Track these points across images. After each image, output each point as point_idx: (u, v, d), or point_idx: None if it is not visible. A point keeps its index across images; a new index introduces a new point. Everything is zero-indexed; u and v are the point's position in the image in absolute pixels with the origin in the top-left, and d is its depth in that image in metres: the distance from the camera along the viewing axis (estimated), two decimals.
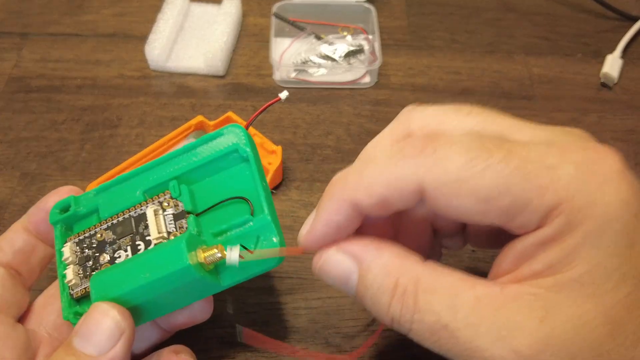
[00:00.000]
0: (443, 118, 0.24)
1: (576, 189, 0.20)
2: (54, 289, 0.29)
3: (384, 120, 0.43)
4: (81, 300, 0.26)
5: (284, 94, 0.33)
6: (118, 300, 0.24)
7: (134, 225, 0.27)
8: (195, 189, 0.27)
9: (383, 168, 0.22)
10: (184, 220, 0.26)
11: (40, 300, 0.29)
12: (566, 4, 0.53)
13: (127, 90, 0.44)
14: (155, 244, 0.26)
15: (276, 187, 0.38)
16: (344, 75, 0.45)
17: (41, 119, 0.41)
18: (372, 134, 0.41)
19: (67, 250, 0.27)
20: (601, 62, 0.47)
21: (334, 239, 0.23)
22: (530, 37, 0.50)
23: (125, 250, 0.26)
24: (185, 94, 0.43)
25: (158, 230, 0.26)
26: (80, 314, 0.25)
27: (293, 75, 0.45)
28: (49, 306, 0.28)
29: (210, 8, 0.50)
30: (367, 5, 0.48)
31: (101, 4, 0.50)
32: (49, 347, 0.27)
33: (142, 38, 0.46)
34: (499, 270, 0.22)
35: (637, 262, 0.20)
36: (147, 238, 0.26)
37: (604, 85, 0.46)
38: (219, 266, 0.25)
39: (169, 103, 0.43)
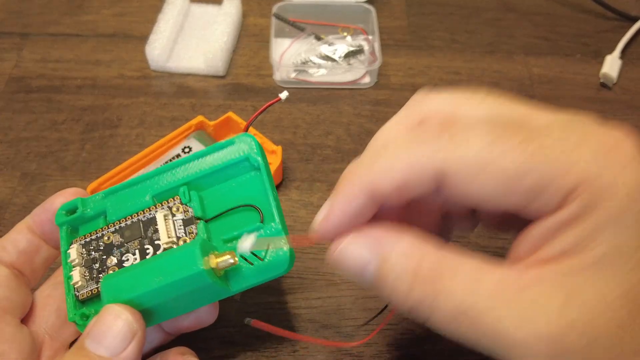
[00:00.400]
0: (457, 103, 0.23)
1: (595, 171, 0.20)
2: (48, 290, 0.29)
3: (384, 120, 0.42)
4: (87, 302, 0.26)
5: (284, 94, 0.34)
6: (130, 303, 0.24)
7: (142, 229, 0.27)
8: (205, 195, 0.28)
9: (401, 153, 0.21)
10: (193, 226, 0.27)
11: (37, 302, 0.29)
12: (566, 4, 0.53)
13: (127, 90, 0.44)
14: (164, 249, 0.26)
15: (276, 187, 0.38)
16: (344, 75, 0.45)
17: (41, 119, 0.41)
18: (372, 134, 0.41)
19: (74, 252, 0.27)
20: (601, 62, 0.47)
21: (350, 227, 0.22)
22: (530, 37, 0.50)
23: (134, 254, 0.26)
24: (186, 94, 0.44)
25: (168, 235, 0.26)
26: (87, 316, 0.25)
27: (293, 75, 0.45)
28: (47, 307, 0.28)
29: (211, 8, 0.50)
30: (367, 5, 0.48)
31: (101, 4, 0.50)
32: (50, 349, 0.27)
33: (143, 38, 0.46)
34: (518, 253, 0.22)
35: None
36: (156, 242, 0.26)
37: (603, 85, 0.46)
38: (228, 272, 0.25)
39: (169, 103, 0.43)
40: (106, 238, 0.27)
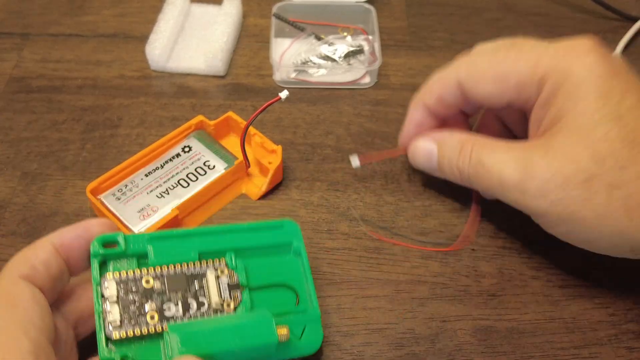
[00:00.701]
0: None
1: (556, 62, 0.29)
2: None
3: (384, 120, 0.43)
4: (119, 343, 0.26)
5: (284, 94, 0.34)
6: (204, 356, 0.25)
7: (187, 282, 0.28)
8: (248, 264, 0.30)
9: (436, 74, 0.34)
10: (238, 292, 0.29)
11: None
12: (566, 4, 0.53)
13: (128, 90, 0.44)
14: (214, 309, 0.28)
15: (276, 187, 0.38)
16: (344, 75, 0.45)
17: (42, 119, 0.41)
18: (372, 133, 0.41)
19: (113, 288, 0.27)
20: None
21: (418, 132, 0.35)
22: (530, 37, 0.50)
23: (176, 304, 0.27)
24: (186, 94, 0.44)
25: (219, 295, 0.28)
26: (122, 358, 0.25)
27: (293, 75, 0.45)
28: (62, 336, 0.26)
29: (211, 9, 0.50)
30: (367, 5, 0.48)
31: (102, 4, 0.50)
32: None
33: (143, 38, 0.46)
34: (529, 135, 0.32)
35: (611, 108, 0.28)
36: (201, 299, 0.28)
37: None
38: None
39: (170, 103, 0.43)
40: (145, 281, 0.27)
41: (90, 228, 0.27)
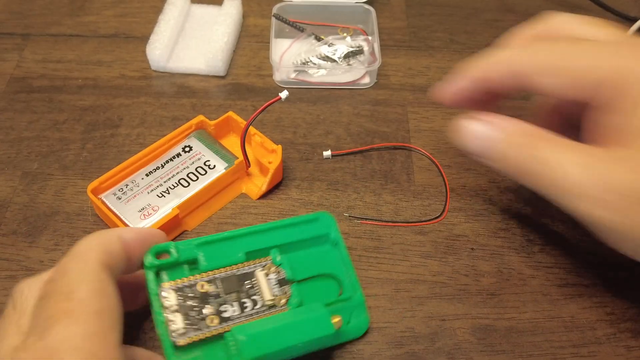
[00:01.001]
0: (568, 23, 0.32)
1: (617, 66, 0.26)
2: None
3: (384, 120, 0.43)
4: (185, 349, 0.27)
5: (284, 94, 0.34)
6: (267, 355, 0.26)
7: (239, 283, 0.29)
8: (291, 258, 0.31)
9: (494, 56, 0.31)
10: (287, 287, 0.30)
11: None
12: (565, 5, 0.53)
13: (128, 90, 0.44)
14: (267, 306, 0.29)
15: (276, 186, 0.38)
16: (344, 75, 0.45)
17: (43, 119, 0.42)
18: (372, 133, 0.41)
19: (173, 298, 0.27)
20: None
21: (459, 100, 0.33)
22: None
23: (232, 306, 0.29)
24: (186, 94, 0.44)
25: (270, 293, 0.30)
26: None
27: (293, 75, 0.45)
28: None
29: (211, 9, 0.50)
30: (366, 6, 0.48)
31: (102, 5, 0.51)
32: None
33: (143, 39, 0.47)
34: (586, 138, 0.29)
35: None
36: (254, 297, 0.29)
37: None
38: None
39: (170, 103, 0.43)
40: (200, 286, 0.28)
41: (154, 238, 0.28)
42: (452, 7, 0.52)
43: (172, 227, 0.35)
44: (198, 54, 0.46)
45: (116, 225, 0.34)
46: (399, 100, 0.44)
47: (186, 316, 0.27)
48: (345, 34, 0.48)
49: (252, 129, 0.37)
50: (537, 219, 0.37)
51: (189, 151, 0.37)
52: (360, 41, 0.47)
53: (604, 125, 0.27)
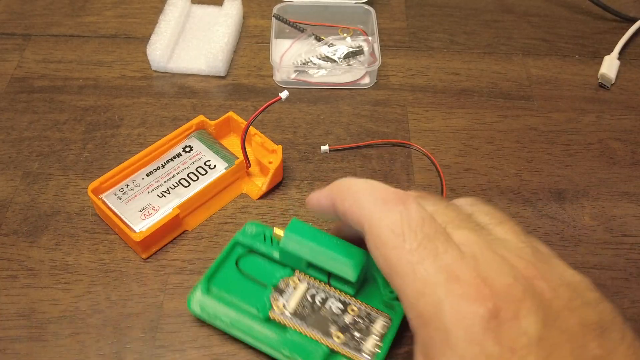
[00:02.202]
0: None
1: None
2: None
3: (384, 120, 0.43)
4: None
5: (284, 94, 0.34)
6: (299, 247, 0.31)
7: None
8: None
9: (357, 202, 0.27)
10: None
11: None
12: (564, 5, 0.53)
13: (129, 90, 0.44)
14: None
15: (276, 186, 0.38)
16: (344, 76, 0.46)
17: (43, 119, 0.42)
18: (372, 133, 0.42)
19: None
20: (599, 63, 0.47)
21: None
22: (529, 38, 0.50)
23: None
24: (187, 94, 0.44)
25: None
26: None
27: (293, 76, 0.45)
28: None
29: (212, 9, 0.50)
30: (366, 6, 0.48)
31: (103, 5, 0.51)
32: None
33: (144, 39, 0.47)
34: None
35: None
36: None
37: (601, 85, 0.46)
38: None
39: (170, 103, 0.43)
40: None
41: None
42: (452, 8, 0.52)
43: (173, 227, 0.35)
44: (198, 54, 0.46)
45: (117, 226, 0.34)
46: (398, 100, 0.44)
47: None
48: (345, 35, 0.48)
49: (252, 129, 0.38)
50: (537, 218, 0.37)
51: (189, 151, 0.38)
52: (360, 41, 0.47)
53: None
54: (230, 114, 0.39)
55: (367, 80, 0.45)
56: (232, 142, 0.40)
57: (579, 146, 0.42)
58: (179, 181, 0.36)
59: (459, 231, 0.24)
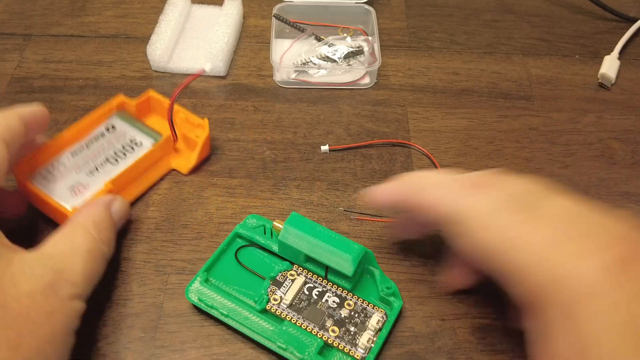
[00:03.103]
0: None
1: (555, 274, 0.22)
2: None
3: (384, 120, 0.43)
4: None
5: (207, 66, 0.35)
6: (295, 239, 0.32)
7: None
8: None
9: (431, 190, 0.29)
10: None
11: None
12: (564, 5, 0.53)
13: (129, 90, 0.44)
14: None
15: (277, 186, 0.38)
16: (344, 76, 0.46)
17: None
18: (372, 133, 0.42)
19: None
20: (599, 63, 0.47)
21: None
22: (529, 38, 0.50)
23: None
24: (187, 94, 0.44)
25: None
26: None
27: (293, 76, 0.45)
28: None
29: (212, 9, 0.50)
30: (366, 6, 0.48)
31: (103, 5, 0.51)
32: None
33: (144, 39, 0.47)
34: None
35: None
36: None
37: (601, 85, 0.46)
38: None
39: None
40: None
41: (44, 114, 0.34)
42: (452, 8, 0.52)
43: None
44: (199, 54, 0.46)
45: (48, 205, 0.34)
46: (398, 100, 0.44)
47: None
48: (345, 35, 0.48)
49: (175, 107, 0.38)
50: None
51: (113, 131, 0.38)
52: (361, 41, 0.47)
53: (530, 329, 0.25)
54: (151, 92, 0.40)
55: (367, 80, 0.45)
56: (154, 121, 0.40)
57: (579, 146, 0.42)
58: (107, 159, 0.37)
59: (547, 201, 0.25)
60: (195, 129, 0.38)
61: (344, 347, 0.30)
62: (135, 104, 0.39)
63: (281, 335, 0.30)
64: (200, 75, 0.35)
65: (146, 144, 0.37)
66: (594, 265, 0.21)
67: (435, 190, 0.28)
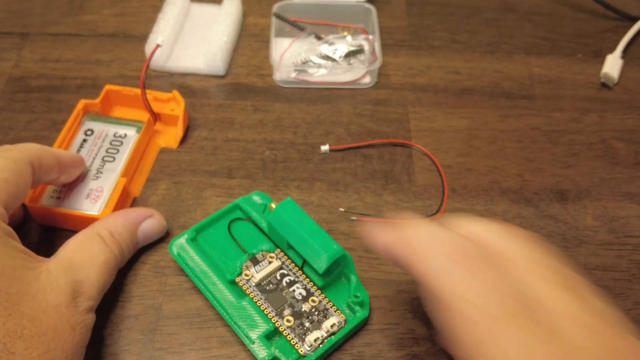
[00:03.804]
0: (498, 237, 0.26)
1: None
2: None
3: (384, 120, 0.43)
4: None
5: (159, 39, 0.35)
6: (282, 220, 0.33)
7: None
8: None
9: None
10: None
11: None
12: (566, 4, 0.53)
13: None
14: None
15: (277, 186, 0.38)
16: (344, 75, 0.45)
17: (41, 119, 0.41)
18: (372, 133, 0.41)
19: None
20: (601, 62, 0.47)
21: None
22: (531, 37, 0.50)
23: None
24: (186, 94, 0.43)
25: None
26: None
27: (293, 75, 0.45)
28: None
29: (211, 8, 0.50)
30: (367, 5, 0.48)
31: (101, 4, 0.50)
32: None
33: (143, 38, 0.46)
34: None
35: None
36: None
37: (604, 85, 0.46)
38: None
39: None
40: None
41: (76, 161, 0.34)
42: (453, 7, 0.52)
43: (124, 198, 0.36)
44: (198, 53, 0.45)
45: (72, 221, 0.34)
46: (399, 99, 0.44)
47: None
48: (345, 33, 0.48)
49: (143, 88, 0.39)
50: (539, 219, 0.37)
51: (92, 134, 0.38)
52: (361, 40, 0.47)
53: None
54: (108, 86, 0.40)
55: (367, 79, 0.45)
56: (122, 112, 0.41)
57: (582, 146, 0.41)
58: (103, 159, 0.37)
59: (547, 299, 0.22)
60: (168, 104, 0.40)
61: (292, 339, 0.30)
62: (98, 102, 0.39)
63: (238, 310, 0.30)
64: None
65: (130, 134, 0.38)
66: None
67: (426, 260, 0.24)
